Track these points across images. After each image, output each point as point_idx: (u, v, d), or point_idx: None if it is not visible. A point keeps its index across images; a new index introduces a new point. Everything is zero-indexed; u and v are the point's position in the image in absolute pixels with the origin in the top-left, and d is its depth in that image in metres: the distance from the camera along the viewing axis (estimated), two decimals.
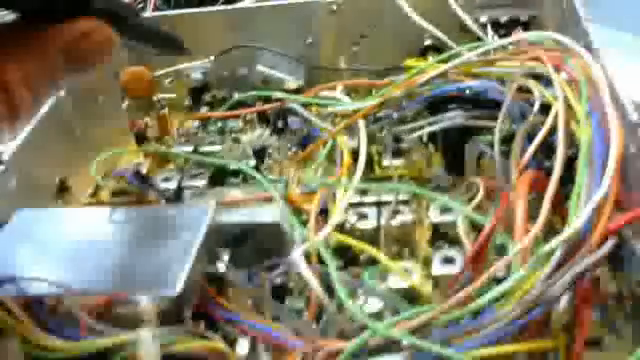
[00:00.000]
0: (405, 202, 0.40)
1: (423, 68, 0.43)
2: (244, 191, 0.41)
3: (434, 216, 0.38)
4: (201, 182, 0.44)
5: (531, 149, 0.35)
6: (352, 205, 0.40)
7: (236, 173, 0.45)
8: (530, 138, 0.35)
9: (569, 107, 0.35)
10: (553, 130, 0.34)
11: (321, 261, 0.34)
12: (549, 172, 0.32)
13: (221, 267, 0.35)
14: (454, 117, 0.41)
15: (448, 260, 0.36)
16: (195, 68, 0.54)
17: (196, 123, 0.52)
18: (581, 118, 0.33)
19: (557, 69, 0.37)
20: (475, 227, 0.35)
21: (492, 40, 0.48)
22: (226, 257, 0.36)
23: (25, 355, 0.30)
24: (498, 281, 0.29)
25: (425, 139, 0.44)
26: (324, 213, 0.39)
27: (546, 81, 0.38)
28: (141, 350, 0.29)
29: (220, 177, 0.45)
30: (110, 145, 0.49)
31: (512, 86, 0.38)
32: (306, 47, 0.53)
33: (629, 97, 0.33)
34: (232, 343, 0.32)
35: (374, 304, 0.33)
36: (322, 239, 0.35)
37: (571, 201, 0.30)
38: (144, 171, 0.46)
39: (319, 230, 0.36)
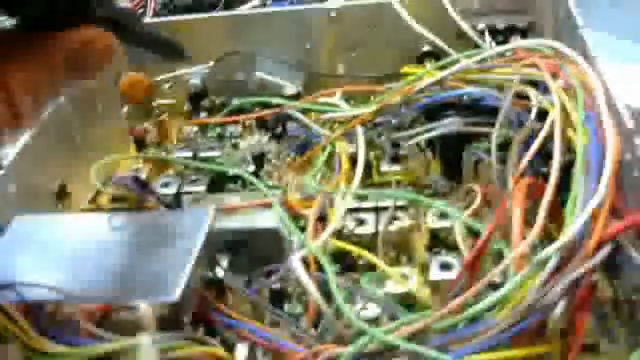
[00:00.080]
0: (403, 208, 0.40)
1: (421, 75, 0.43)
2: (243, 197, 0.41)
3: (432, 222, 0.39)
4: (200, 188, 0.44)
5: (528, 156, 0.35)
6: (350, 211, 0.40)
7: (235, 179, 0.45)
8: (527, 145, 0.35)
9: (566, 114, 0.35)
10: (550, 137, 0.34)
11: (319, 267, 0.34)
12: (546, 178, 0.32)
13: (220, 273, 0.35)
14: (452, 124, 0.41)
15: (446, 266, 0.36)
16: (194, 74, 0.54)
17: (195, 129, 0.52)
18: (578, 125, 0.33)
19: (554, 76, 0.37)
20: (473, 233, 0.35)
21: (489, 47, 0.48)
22: (225, 263, 0.36)
23: None
24: (495, 287, 0.29)
25: (423, 145, 0.44)
26: (322, 219, 0.39)
27: (543, 88, 0.38)
28: (140, 356, 0.29)
29: (219, 183, 0.45)
30: (110, 150, 0.49)
31: (509, 93, 0.38)
32: (305, 53, 0.54)
33: (625, 104, 0.33)
34: (231, 348, 0.32)
35: (372, 310, 0.34)
36: (320, 245, 0.35)
37: (567, 208, 0.30)
38: (143, 177, 0.47)
39: (317, 236, 0.36)
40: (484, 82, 0.42)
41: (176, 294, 0.31)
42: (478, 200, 0.37)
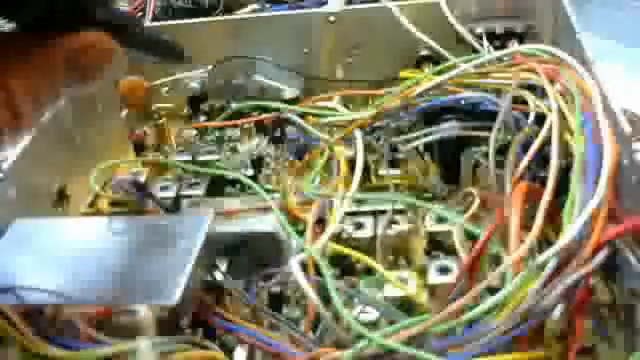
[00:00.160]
0: (401, 212, 0.40)
1: (419, 79, 0.43)
2: (242, 200, 0.41)
3: (430, 225, 0.39)
4: (199, 191, 0.44)
5: (526, 160, 0.35)
6: (349, 214, 0.40)
7: (234, 182, 0.45)
8: (525, 149, 0.36)
9: (563, 118, 0.35)
10: (548, 141, 0.35)
11: (318, 270, 0.34)
12: (544, 182, 0.32)
13: (219, 276, 0.35)
14: (450, 128, 0.41)
15: (444, 269, 0.36)
16: (193, 78, 0.54)
17: (194, 132, 0.52)
18: (575, 129, 0.34)
19: (552, 81, 0.37)
20: (471, 237, 0.36)
21: (488, 52, 0.48)
22: (224, 266, 0.36)
23: None
24: (493, 291, 0.29)
25: (421, 149, 0.44)
26: (321, 222, 0.39)
27: (541, 92, 0.38)
28: (140, 359, 0.29)
29: (218, 186, 0.45)
30: (109, 154, 0.49)
31: (507, 97, 0.38)
32: (303, 57, 0.54)
33: (622, 108, 0.33)
34: (230, 352, 0.32)
35: (371, 313, 0.34)
36: (319, 248, 0.35)
37: (565, 210, 0.30)
38: (142, 180, 0.47)
39: (316, 239, 0.36)
40: (482, 87, 0.42)
41: (175, 297, 0.31)
42: (476, 204, 0.37)
